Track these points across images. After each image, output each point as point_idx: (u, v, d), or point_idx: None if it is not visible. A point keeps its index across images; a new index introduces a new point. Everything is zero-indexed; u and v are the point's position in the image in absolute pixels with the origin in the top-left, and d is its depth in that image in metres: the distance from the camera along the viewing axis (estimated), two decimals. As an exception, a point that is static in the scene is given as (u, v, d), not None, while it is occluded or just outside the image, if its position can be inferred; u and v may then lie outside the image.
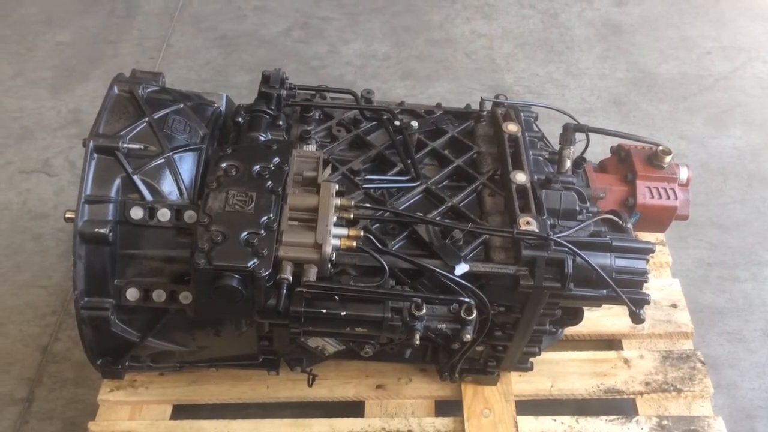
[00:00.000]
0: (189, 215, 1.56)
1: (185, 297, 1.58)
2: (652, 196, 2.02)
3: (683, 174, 2.06)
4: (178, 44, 3.59)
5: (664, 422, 1.90)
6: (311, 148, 1.78)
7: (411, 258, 1.58)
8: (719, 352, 2.30)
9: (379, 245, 1.59)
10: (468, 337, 1.56)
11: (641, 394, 1.98)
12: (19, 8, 3.69)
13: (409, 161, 1.80)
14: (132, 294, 1.57)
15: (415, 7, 3.77)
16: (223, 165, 1.61)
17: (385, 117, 1.88)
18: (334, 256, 1.52)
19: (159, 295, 1.57)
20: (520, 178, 1.76)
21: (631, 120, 3.09)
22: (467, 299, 1.54)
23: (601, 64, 3.41)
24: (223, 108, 1.84)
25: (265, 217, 1.51)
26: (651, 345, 2.11)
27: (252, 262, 1.44)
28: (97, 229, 1.51)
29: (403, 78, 3.34)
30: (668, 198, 2.02)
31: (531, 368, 1.93)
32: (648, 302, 1.68)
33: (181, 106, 1.71)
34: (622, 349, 2.10)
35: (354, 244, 1.54)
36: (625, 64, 3.41)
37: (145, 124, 1.62)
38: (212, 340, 1.73)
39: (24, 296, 2.51)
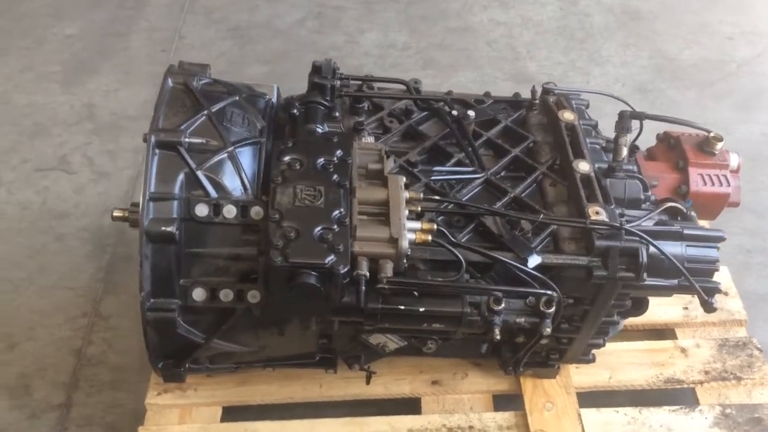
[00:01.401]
0: (255, 211, 1.51)
1: (253, 296, 1.52)
2: (705, 183, 1.99)
3: (734, 160, 2.04)
4: (191, 36, 3.51)
5: (728, 411, 1.89)
6: (371, 139, 1.73)
7: (484, 251, 1.54)
8: (770, 339, 2.28)
9: (452, 238, 1.54)
10: (548, 330, 1.52)
11: (701, 383, 1.97)
12: (25, 1, 3.59)
13: (471, 151, 1.76)
14: (198, 294, 1.52)
15: (429, -5, 3.73)
16: (286, 159, 1.56)
17: (441, 106, 1.84)
18: (409, 250, 1.47)
19: (226, 295, 1.52)
20: (584, 167, 1.73)
21: (657, 107, 3.06)
22: (549, 291, 1.51)
23: (624, 51, 3.38)
24: (274, 99, 1.79)
25: (337, 212, 1.47)
26: (705, 333, 2.09)
27: (329, 259, 1.39)
28: (163, 228, 1.45)
29: (424, 67, 3.29)
30: (721, 185, 1.99)
31: (593, 360, 1.90)
32: (720, 291, 1.66)
33: (237, 98, 1.65)
34: (675, 338, 2.08)
35: (429, 237, 1.49)
36: (647, 50, 3.39)
37: (204, 117, 1.56)
38: (275, 339, 1.68)
39: (51, 298, 2.43)
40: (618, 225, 1.57)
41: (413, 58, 3.34)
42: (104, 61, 3.35)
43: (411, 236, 1.48)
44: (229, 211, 1.50)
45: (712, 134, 2.00)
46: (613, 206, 1.65)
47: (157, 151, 1.48)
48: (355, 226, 1.47)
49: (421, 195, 1.58)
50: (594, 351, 1.91)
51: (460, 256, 1.51)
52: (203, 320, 1.57)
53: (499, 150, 1.84)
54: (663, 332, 2.13)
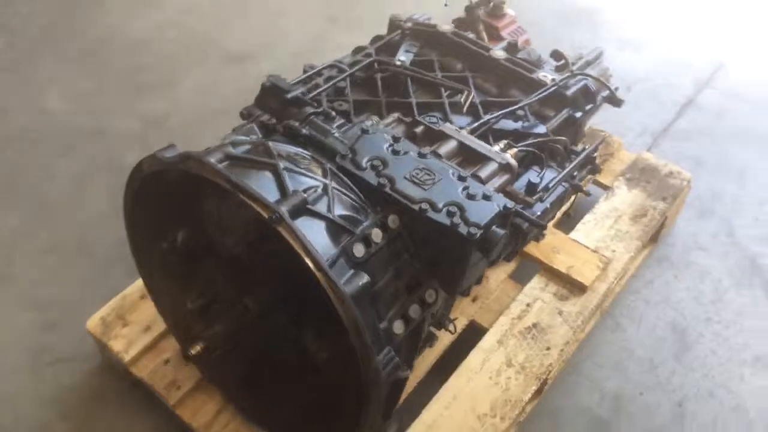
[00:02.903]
0: (392, 219, 1.45)
1: (430, 296, 1.49)
2: (516, 37, 2.45)
3: (512, 12, 2.53)
4: None
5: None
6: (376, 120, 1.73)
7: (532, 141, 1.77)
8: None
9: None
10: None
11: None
12: None
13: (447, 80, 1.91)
14: (398, 327, 1.43)
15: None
16: (365, 164, 1.51)
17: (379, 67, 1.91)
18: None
19: (415, 311, 1.46)
20: (500, 53, 2.02)
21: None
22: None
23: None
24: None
25: (451, 172, 1.51)
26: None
27: (502, 204, 1.46)
28: (360, 282, 1.31)
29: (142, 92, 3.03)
30: (522, 34, 2.49)
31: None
32: (617, 88, 2.17)
33: (271, 143, 1.49)
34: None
35: (516, 149, 1.65)
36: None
37: (285, 171, 1.39)
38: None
39: None
40: (573, 72, 1.94)
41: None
42: None
43: (509, 155, 1.61)
44: (377, 236, 1.41)
45: (493, 2, 2.44)
46: (543, 67, 1.99)
47: (295, 222, 1.29)
48: (474, 174, 1.54)
49: (469, 129, 1.69)
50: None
51: (537, 150, 1.70)
52: (402, 352, 1.48)
53: (424, 81, 1.97)
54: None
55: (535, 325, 2.09)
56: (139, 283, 2.14)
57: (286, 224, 1.28)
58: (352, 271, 1.33)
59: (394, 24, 2.14)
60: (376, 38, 2.14)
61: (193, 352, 1.51)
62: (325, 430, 1.67)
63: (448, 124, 1.66)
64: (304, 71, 1.92)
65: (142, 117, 2.95)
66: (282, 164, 1.40)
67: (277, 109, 1.67)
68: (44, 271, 2.41)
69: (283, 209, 1.28)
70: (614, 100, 2.12)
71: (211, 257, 1.78)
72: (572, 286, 2.17)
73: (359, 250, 1.37)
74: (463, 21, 2.39)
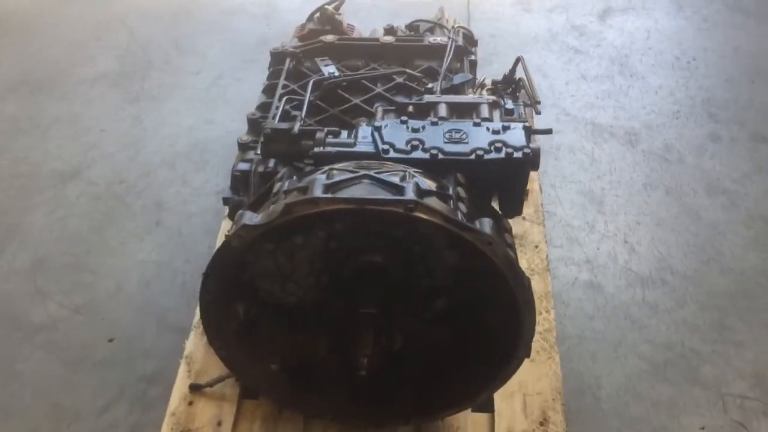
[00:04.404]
0: (460, 176, 1.68)
1: (507, 223, 1.76)
2: (353, 30, 2.74)
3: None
4: None
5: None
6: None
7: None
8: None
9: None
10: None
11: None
12: None
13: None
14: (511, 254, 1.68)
15: None
16: (408, 148, 1.71)
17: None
18: (498, 101, 1.95)
19: (509, 238, 1.72)
20: (389, 38, 2.31)
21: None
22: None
23: None
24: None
25: (468, 123, 1.78)
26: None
27: (518, 128, 1.77)
28: (491, 225, 1.52)
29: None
30: (354, 27, 2.78)
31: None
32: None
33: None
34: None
35: (486, 91, 1.97)
36: None
37: (378, 175, 1.54)
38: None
39: None
40: (454, 28, 2.30)
41: None
42: None
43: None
44: (461, 192, 1.64)
45: (327, 12, 2.68)
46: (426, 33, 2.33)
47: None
48: (481, 117, 1.84)
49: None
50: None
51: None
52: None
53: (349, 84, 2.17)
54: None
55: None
56: (177, 394, 2.07)
57: (424, 206, 1.45)
58: (477, 221, 1.54)
59: (279, 55, 2.29)
60: (276, 72, 2.27)
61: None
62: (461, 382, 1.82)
63: (427, 95, 1.91)
64: (250, 121, 2.02)
65: (15, 273, 2.68)
66: (370, 171, 1.55)
67: (287, 149, 1.77)
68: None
69: (413, 196, 1.45)
70: (473, 41, 2.53)
71: (269, 315, 1.83)
72: (517, 195, 2.56)
73: (462, 207, 1.59)
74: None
